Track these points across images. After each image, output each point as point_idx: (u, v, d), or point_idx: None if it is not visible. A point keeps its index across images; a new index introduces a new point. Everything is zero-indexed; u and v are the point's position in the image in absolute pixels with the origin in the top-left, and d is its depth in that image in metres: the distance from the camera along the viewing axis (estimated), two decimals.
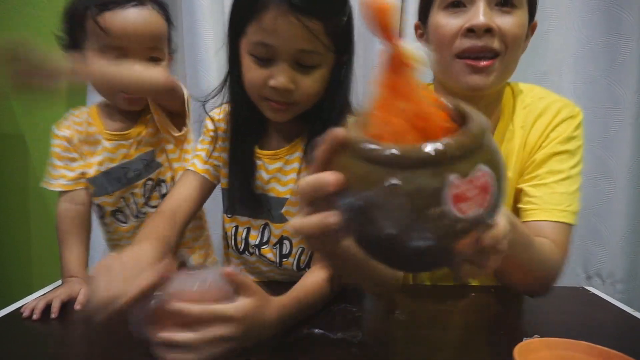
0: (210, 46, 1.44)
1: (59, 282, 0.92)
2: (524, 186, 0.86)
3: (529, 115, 0.89)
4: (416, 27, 0.92)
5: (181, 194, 0.90)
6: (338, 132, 0.39)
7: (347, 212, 0.39)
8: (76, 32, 0.94)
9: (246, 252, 0.96)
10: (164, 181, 1.05)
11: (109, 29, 0.89)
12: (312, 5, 0.73)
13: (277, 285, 0.92)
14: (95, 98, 1.39)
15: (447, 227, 0.35)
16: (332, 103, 0.84)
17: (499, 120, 0.91)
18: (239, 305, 0.58)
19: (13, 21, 1.53)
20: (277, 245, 0.92)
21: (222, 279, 0.58)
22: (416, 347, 0.66)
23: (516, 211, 0.87)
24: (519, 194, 0.88)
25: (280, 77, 0.77)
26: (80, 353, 0.64)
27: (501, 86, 0.88)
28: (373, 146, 0.36)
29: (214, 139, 0.94)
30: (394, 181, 0.35)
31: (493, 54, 0.79)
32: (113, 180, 1.02)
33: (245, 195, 0.91)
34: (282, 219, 0.91)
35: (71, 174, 1.03)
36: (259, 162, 0.91)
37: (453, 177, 0.35)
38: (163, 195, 1.04)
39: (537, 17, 0.87)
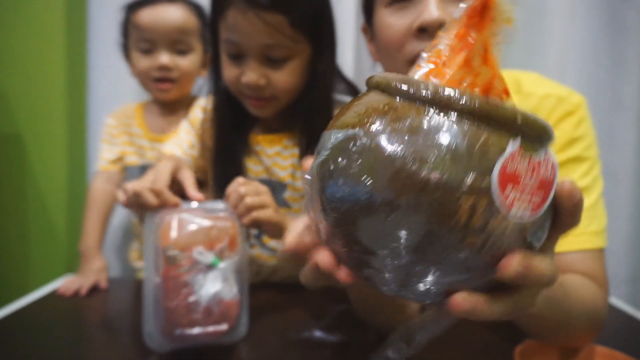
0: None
1: (57, 282, 0.92)
2: None
3: None
4: (364, 31, 0.78)
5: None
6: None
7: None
8: (124, 33, 1.10)
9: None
10: None
11: (140, 24, 1.03)
12: (270, 0, 0.74)
13: (276, 286, 0.92)
14: (97, 110, 1.40)
15: (475, 217, 0.26)
16: (314, 94, 0.85)
17: None
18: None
19: (13, 21, 1.53)
20: None
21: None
22: None
23: None
24: None
25: (249, 74, 0.80)
26: (80, 353, 0.63)
27: None
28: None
29: (201, 132, 0.95)
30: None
31: None
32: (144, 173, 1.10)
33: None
34: (286, 204, 0.91)
35: (111, 156, 1.12)
36: (258, 147, 0.92)
37: (515, 145, 0.27)
38: None
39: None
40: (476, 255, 0.28)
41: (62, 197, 1.59)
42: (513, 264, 0.28)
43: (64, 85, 1.55)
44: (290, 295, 0.86)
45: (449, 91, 0.28)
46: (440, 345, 0.66)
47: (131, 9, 1.06)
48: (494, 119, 0.28)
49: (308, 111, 0.86)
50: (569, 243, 0.63)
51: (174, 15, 1.03)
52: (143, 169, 1.10)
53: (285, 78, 0.81)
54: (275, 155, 0.92)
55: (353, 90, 0.93)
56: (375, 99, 0.31)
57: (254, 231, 0.95)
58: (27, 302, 0.81)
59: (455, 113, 0.28)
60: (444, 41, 0.33)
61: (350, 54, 1.35)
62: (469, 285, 0.30)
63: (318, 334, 0.67)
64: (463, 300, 0.30)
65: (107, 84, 1.40)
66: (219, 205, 0.68)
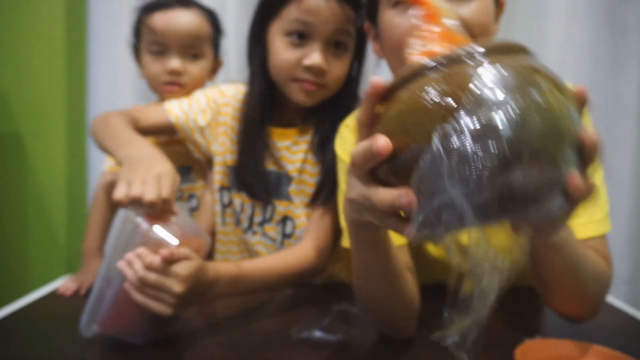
0: None
1: (57, 282, 0.92)
2: None
3: None
4: (367, 30, 0.81)
5: (147, 118, 0.95)
6: (377, 82, 0.39)
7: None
8: (137, 35, 1.10)
9: (250, 231, 0.97)
10: (194, 196, 1.10)
11: (153, 27, 1.03)
12: None
13: None
14: (97, 110, 1.40)
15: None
16: (343, 98, 0.91)
17: None
18: (188, 266, 0.62)
19: (13, 21, 1.53)
20: (281, 224, 0.94)
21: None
22: (416, 348, 0.65)
23: None
24: None
25: (315, 56, 0.83)
26: (80, 353, 0.63)
27: None
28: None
29: (206, 112, 0.98)
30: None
31: None
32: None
33: (256, 173, 0.94)
34: (289, 197, 0.93)
35: None
36: (269, 140, 0.95)
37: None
38: (192, 209, 1.10)
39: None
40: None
41: (62, 197, 1.59)
42: (579, 179, 0.35)
43: (64, 85, 1.55)
44: (291, 295, 0.86)
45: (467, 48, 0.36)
46: (440, 345, 0.67)
47: (145, 12, 1.06)
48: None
49: (330, 112, 0.90)
50: (577, 232, 0.66)
51: (187, 20, 1.04)
52: None
53: (341, 68, 0.87)
54: (284, 149, 0.94)
55: None
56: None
57: (257, 218, 0.96)
58: (27, 302, 0.81)
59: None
60: (417, 38, 0.44)
61: None
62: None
63: (318, 334, 0.67)
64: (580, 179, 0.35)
65: (106, 84, 1.40)
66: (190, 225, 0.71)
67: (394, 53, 0.70)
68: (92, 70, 1.42)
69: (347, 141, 0.81)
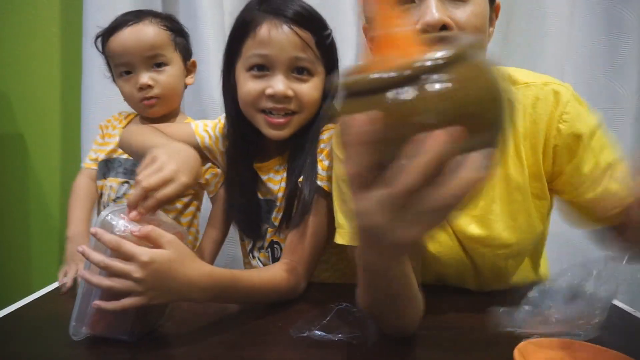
0: (211, 48, 1.43)
1: (57, 283, 0.92)
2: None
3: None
4: (365, 30, 0.82)
5: (177, 134, 0.95)
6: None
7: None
8: (108, 66, 1.10)
9: (250, 255, 1.00)
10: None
11: (113, 51, 1.03)
12: (302, 18, 0.83)
13: None
14: (89, 113, 1.40)
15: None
16: (316, 125, 0.89)
17: None
18: (151, 252, 0.60)
19: (13, 21, 1.53)
20: (269, 249, 0.95)
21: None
22: (416, 348, 0.65)
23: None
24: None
25: (277, 85, 0.82)
26: (80, 352, 0.64)
27: None
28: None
29: (224, 138, 0.98)
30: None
31: None
32: (104, 168, 1.13)
33: (244, 211, 0.95)
34: (272, 224, 0.94)
35: (94, 155, 1.16)
36: (255, 175, 0.96)
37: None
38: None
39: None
40: None
41: (59, 197, 1.59)
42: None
43: (59, 85, 1.55)
44: None
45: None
46: (439, 344, 0.67)
47: (103, 40, 1.06)
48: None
49: (304, 140, 0.89)
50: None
51: (142, 33, 1.03)
52: (106, 163, 1.13)
53: (309, 91, 0.85)
54: (267, 180, 0.95)
55: None
56: None
57: (248, 245, 0.98)
58: (26, 302, 0.81)
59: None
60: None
61: (351, 53, 1.36)
62: None
63: (318, 333, 0.67)
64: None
65: (100, 84, 1.40)
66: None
67: None
68: (87, 70, 1.42)
69: None
